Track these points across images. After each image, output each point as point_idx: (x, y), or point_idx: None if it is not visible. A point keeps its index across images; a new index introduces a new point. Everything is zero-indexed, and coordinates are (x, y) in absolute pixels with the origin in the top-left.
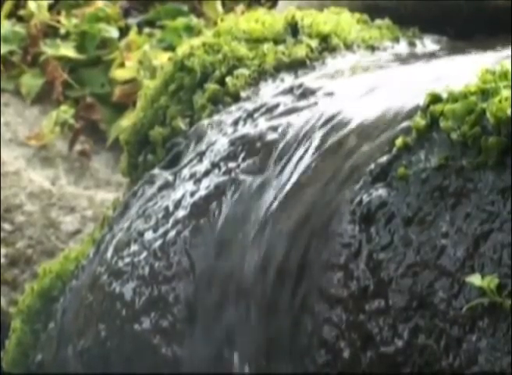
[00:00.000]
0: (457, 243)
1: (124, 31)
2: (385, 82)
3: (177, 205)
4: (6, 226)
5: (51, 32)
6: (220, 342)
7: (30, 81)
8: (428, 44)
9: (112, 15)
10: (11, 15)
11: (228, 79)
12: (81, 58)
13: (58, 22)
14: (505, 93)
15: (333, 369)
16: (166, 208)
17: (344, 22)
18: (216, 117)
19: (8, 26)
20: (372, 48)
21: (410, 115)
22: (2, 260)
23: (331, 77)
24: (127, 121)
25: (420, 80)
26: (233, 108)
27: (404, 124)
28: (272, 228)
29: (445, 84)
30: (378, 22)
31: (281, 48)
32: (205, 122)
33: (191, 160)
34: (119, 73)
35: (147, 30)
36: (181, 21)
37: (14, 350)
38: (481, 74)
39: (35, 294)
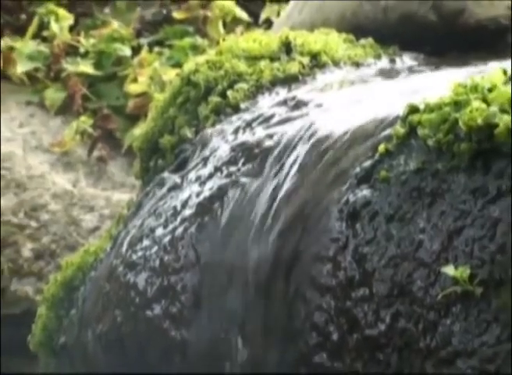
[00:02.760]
0: (433, 237)
1: (136, 50)
2: (368, 95)
3: (184, 204)
4: (32, 223)
5: (71, 51)
6: (222, 326)
7: (53, 95)
8: (407, 60)
9: (125, 35)
10: (36, 35)
11: (229, 92)
12: (98, 74)
13: (78, 42)
14: (475, 104)
15: (323, 350)
16: (175, 207)
17: (332, 41)
18: (219, 126)
19: (33, 45)
20: (357, 65)
21: (391, 124)
22: (29, 254)
23: (320, 90)
24: (140, 130)
25: (400, 92)
26: (234, 118)
27: (386, 132)
28: (269, 225)
29: (422, 96)
30: (362, 41)
31: (276, 64)
32: (209, 130)
33: (197, 164)
34: (132, 88)
35: (157, 49)
36: (187, 41)
37: (40, 333)
38: (454, 87)
39: (58, 283)
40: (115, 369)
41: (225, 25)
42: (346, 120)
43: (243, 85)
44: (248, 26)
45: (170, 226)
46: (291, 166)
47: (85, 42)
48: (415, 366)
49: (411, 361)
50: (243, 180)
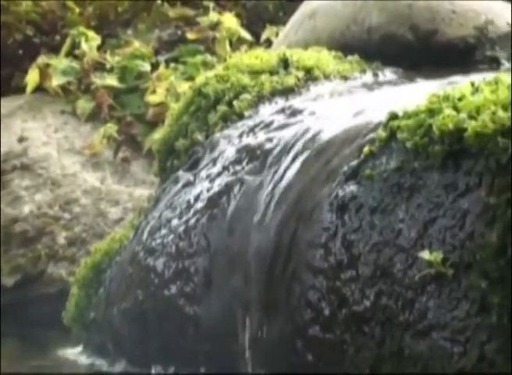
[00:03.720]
0: (411, 226)
1: (155, 66)
2: (355, 104)
3: (196, 198)
4: (66, 215)
5: (99, 67)
6: (230, 303)
7: (84, 104)
8: (388, 74)
9: (145, 53)
10: (68, 54)
11: (235, 102)
12: (122, 87)
13: (105, 59)
14: (447, 112)
15: (316, 323)
16: (188, 201)
17: (323, 58)
18: (226, 131)
19: (66, 62)
20: (345, 78)
21: (374, 129)
22: (63, 241)
23: (313, 100)
24: (158, 134)
25: (382, 102)
26: (239, 124)
27: (370, 136)
28: (269, 216)
29: (401, 105)
30: (349, 57)
31: (275, 78)
32: (217, 135)
33: (207, 164)
34: (151, 98)
35: (172, 65)
36: (199, 58)
37: (72, 310)
38: (429, 97)
39: (88, 267)
40: (137, 340)
41: (231, 44)
42: (335, 126)
43: (246, 96)
44: (251, 45)
45: (184, 218)
46: (288, 166)
47: (111, 59)
48: (395, 337)
49: (392, 333)
50: (247, 177)
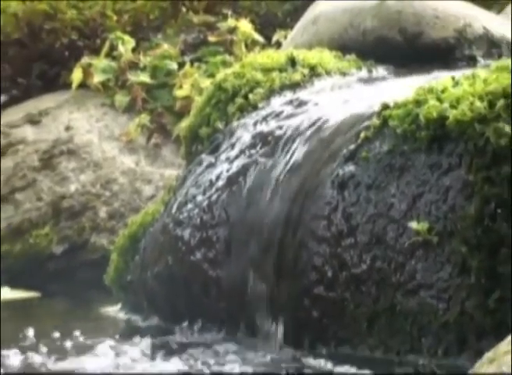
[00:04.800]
0: (401, 200)
1: (181, 65)
2: (352, 96)
3: (218, 178)
4: (106, 192)
5: (133, 66)
6: (246, 267)
7: (121, 98)
8: (381, 70)
9: (173, 54)
10: (107, 55)
11: (250, 95)
12: (154, 83)
13: (139, 59)
14: (431, 102)
15: (321, 284)
16: (210, 180)
17: (325, 57)
18: (242, 120)
19: (106, 62)
20: (344, 74)
21: (369, 117)
22: (104, 215)
23: (317, 93)
24: (184, 123)
25: (375, 94)
26: (253, 114)
27: (366, 123)
28: (280, 192)
29: (392, 97)
30: (347, 57)
31: (284, 74)
32: (235, 123)
33: (226, 148)
34: (178, 92)
35: (196, 64)
36: (219, 58)
37: (112, 273)
38: (416, 90)
39: (126, 237)
40: (168, 299)
41: (246, 46)
42: (336, 115)
43: (260, 90)
44: (263, 47)
45: (207, 194)
46: (295, 149)
47: (143, 59)
48: (389, 295)
49: (386, 291)
50: (261, 159)
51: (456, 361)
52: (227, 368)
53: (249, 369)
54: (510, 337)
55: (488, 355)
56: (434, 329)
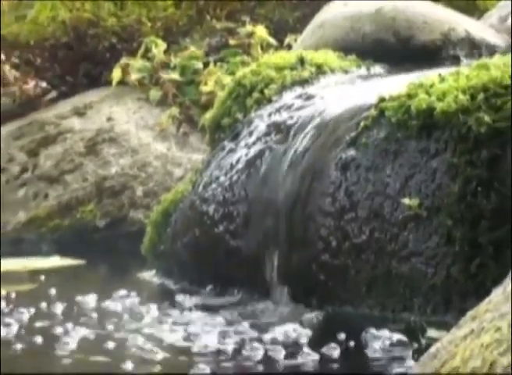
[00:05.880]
0: (395, 180)
1: (206, 64)
2: (353, 90)
3: (237, 161)
4: (142, 174)
5: (165, 65)
6: (262, 238)
7: (154, 93)
8: (378, 69)
9: (199, 55)
10: (143, 56)
11: (265, 90)
12: (183, 80)
13: (170, 60)
14: (421, 95)
15: (326, 252)
16: (231, 163)
17: (330, 57)
18: (258, 112)
19: (141, 62)
20: (346, 72)
21: (368, 108)
22: (140, 193)
23: (323, 88)
24: (209, 115)
25: (373, 89)
26: (268, 106)
27: (365, 114)
28: (292, 173)
29: (387, 91)
30: (348, 57)
31: (294, 72)
32: (252, 115)
33: (245, 136)
34: (204, 88)
35: (219, 63)
36: (238, 58)
37: (147, 244)
38: (408, 85)
39: (159, 212)
40: (195, 266)
41: (262, 48)
42: (339, 107)
43: (273, 85)
44: (276, 49)
45: (229, 175)
46: (305, 136)
47: (174, 60)
48: (385, 262)
49: (382, 259)
50: (275, 145)
51: (442, 318)
52: (245, 324)
53: (263, 325)
54: (489, 298)
55: (470, 313)
56: (424, 291)
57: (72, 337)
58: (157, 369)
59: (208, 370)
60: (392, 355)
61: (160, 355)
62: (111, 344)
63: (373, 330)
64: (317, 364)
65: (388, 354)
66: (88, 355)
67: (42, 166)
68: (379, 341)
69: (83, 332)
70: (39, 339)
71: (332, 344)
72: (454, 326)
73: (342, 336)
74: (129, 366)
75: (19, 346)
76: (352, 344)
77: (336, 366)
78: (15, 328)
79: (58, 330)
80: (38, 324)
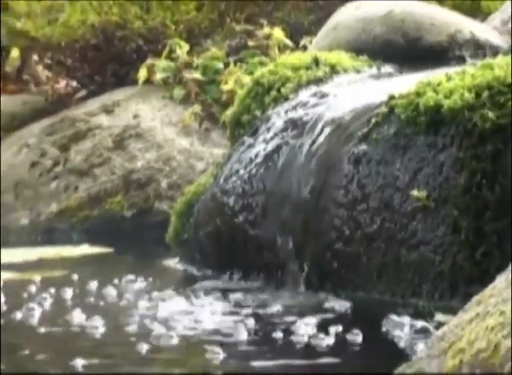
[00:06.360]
0: (405, 173)
1: (227, 65)
2: (365, 88)
3: (256, 155)
4: (166, 168)
5: (188, 65)
6: (279, 228)
7: (178, 92)
8: (388, 68)
9: (220, 56)
10: (167, 57)
11: (282, 89)
12: (205, 79)
13: (192, 60)
14: (429, 93)
15: (340, 241)
16: (250, 157)
17: (342, 57)
18: (276, 109)
19: (166, 62)
20: (358, 71)
21: (379, 106)
22: (165, 186)
23: (336, 87)
24: (229, 112)
25: (384, 87)
26: (285, 104)
27: (376, 111)
28: (307, 166)
29: (397, 89)
30: (360, 57)
31: (310, 72)
32: (270, 112)
33: (263, 132)
34: (224, 87)
35: (239, 64)
36: (257, 59)
37: (172, 233)
38: (417, 84)
39: (182, 203)
40: (216, 253)
41: (279, 49)
42: (352, 104)
43: (290, 84)
44: (292, 50)
45: (248, 168)
46: (319, 132)
47: (196, 60)
48: (395, 250)
49: (392, 247)
50: (291, 140)
51: (449, 303)
52: (262, 308)
53: (280, 309)
54: (493, 284)
55: (475, 298)
56: (431, 277)
57: (96, 319)
58: (171, 353)
59: (221, 355)
60: (415, 342)
61: (175, 340)
62: (132, 328)
63: (394, 317)
64: (340, 349)
65: (411, 341)
66: (105, 338)
67: (73, 160)
68: (402, 327)
69: (105, 314)
70: (65, 320)
71: (355, 330)
72: (460, 310)
73: (364, 322)
74: (144, 347)
75: (47, 328)
76: (374, 330)
77: (359, 352)
78: (46, 310)
79: (87, 310)
80: (66, 306)
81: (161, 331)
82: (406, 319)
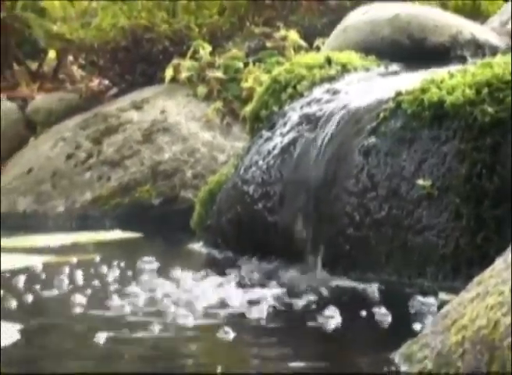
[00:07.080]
0: (411, 164)
1: (246, 64)
2: (374, 86)
3: (274, 147)
4: (191, 159)
5: (211, 65)
6: (295, 214)
7: (201, 89)
8: (395, 67)
9: (240, 56)
10: (191, 57)
11: (297, 86)
12: (226, 78)
13: (215, 60)
14: (433, 90)
15: (351, 226)
16: (268, 149)
17: (353, 57)
18: (292, 105)
19: (190, 62)
20: (367, 70)
21: (386, 101)
22: (190, 176)
23: (347, 84)
24: (249, 108)
25: (391, 84)
26: (300, 100)
27: (384, 106)
28: (321, 157)
29: (403, 86)
30: (369, 57)
31: (323, 70)
32: (287, 107)
33: (280, 126)
34: (244, 85)
35: (257, 63)
36: (274, 59)
37: (196, 219)
38: (421, 81)
39: (206, 191)
40: (237, 238)
41: (294, 50)
42: (361, 100)
43: (305, 82)
44: (307, 50)
45: (266, 160)
46: (332, 126)
47: (218, 60)
48: (402, 235)
49: (399, 232)
50: (306, 134)
51: (452, 283)
52: (280, 288)
53: (299, 290)
54: (493, 266)
55: (476, 279)
56: (435, 260)
57: (123, 296)
58: (187, 331)
59: (231, 334)
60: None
61: (191, 320)
62: (153, 309)
63: (420, 298)
64: (372, 327)
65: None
66: (130, 314)
67: (105, 152)
68: (428, 307)
69: (135, 292)
70: (94, 297)
71: (383, 310)
72: (462, 290)
73: (390, 304)
74: (156, 328)
75: (81, 305)
76: (401, 311)
77: (388, 331)
78: (81, 288)
79: (119, 288)
80: (101, 284)
81: (183, 312)
82: (431, 300)
